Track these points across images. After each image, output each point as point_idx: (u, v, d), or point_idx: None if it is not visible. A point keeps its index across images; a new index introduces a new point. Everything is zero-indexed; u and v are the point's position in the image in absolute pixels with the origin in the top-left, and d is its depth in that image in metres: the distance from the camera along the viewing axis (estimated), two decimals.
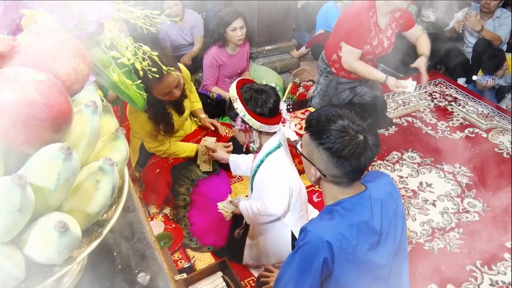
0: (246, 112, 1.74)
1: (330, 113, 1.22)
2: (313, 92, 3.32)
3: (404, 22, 2.90)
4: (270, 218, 1.96)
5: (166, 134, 2.41)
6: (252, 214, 1.97)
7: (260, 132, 1.85)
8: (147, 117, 2.26)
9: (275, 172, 1.87)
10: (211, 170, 2.48)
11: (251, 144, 1.89)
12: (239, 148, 2.46)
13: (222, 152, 2.34)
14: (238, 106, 1.75)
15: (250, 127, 1.80)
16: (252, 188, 2.04)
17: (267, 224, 2.04)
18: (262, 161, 1.90)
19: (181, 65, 2.36)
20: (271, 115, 1.79)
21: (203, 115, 2.68)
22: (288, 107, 2.01)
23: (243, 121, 1.78)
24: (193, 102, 2.66)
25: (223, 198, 2.36)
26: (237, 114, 1.77)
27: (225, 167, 2.62)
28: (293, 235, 2.03)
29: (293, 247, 2.02)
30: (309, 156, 1.28)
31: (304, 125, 1.31)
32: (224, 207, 2.15)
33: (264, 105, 1.76)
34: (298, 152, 1.34)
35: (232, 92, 1.78)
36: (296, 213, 2.00)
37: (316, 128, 1.23)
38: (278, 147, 1.89)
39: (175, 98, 2.28)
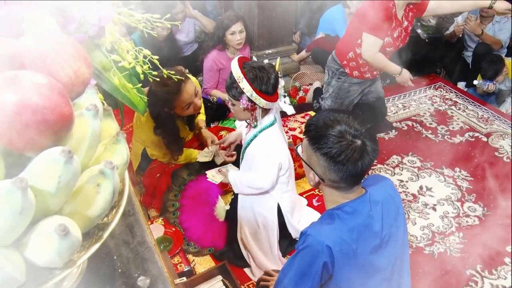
0: (253, 92, 1.78)
1: (328, 118, 1.23)
2: (324, 94, 3.23)
3: (418, 6, 2.84)
4: (258, 191, 2.03)
5: (174, 157, 2.39)
6: (241, 185, 2.04)
7: (262, 110, 1.90)
8: (162, 142, 2.26)
9: (267, 148, 1.94)
10: (210, 160, 2.42)
11: (254, 122, 1.94)
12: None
13: (232, 134, 2.39)
14: (245, 86, 1.78)
15: (255, 105, 1.84)
16: (242, 158, 2.11)
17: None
18: (255, 136, 1.96)
19: (190, 75, 2.33)
20: (273, 92, 1.85)
21: (203, 128, 2.63)
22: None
23: (249, 100, 1.81)
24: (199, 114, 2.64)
25: (213, 200, 2.33)
26: (241, 94, 1.81)
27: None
28: (280, 211, 2.10)
29: (279, 218, 2.11)
30: (308, 161, 1.28)
31: (303, 130, 1.31)
32: (213, 176, 2.17)
33: (268, 83, 1.81)
34: (298, 156, 1.35)
35: (236, 72, 1.80)
36: (283, 187, 2.06)
37: (314, 133, 1.24)
38: (272, 123, 1.95)
39: (198, 109, 2.26)
